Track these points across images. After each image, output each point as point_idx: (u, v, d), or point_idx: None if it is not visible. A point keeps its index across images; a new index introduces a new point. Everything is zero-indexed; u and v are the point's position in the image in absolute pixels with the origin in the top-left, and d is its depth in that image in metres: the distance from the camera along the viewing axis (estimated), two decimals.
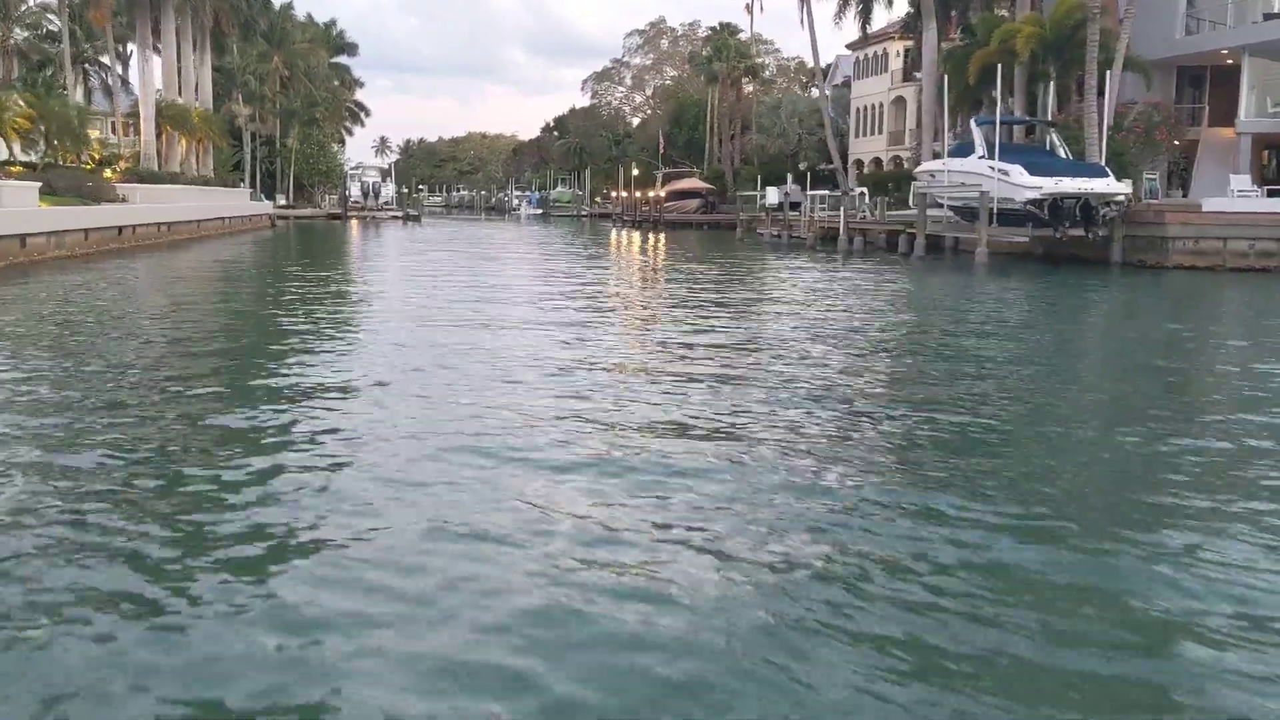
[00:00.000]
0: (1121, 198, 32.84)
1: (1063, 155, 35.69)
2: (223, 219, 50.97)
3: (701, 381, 12.28)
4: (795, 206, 53.61)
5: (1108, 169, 34.08)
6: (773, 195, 59.85)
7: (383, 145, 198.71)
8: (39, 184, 31.23)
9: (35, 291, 21.12)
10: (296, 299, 21.63)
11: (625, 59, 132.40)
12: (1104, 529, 6.94)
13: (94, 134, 59.98)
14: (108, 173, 43.65)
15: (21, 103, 38.18)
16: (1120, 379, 13.82)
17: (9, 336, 15.11)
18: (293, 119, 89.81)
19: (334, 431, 9.35)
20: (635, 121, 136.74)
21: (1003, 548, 6.55)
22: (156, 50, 55.55)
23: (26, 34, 74.38)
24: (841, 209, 44.88)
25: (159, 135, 48.95)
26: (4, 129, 37.40)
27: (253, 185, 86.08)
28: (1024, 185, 32.93)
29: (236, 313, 19.39)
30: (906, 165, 64.45)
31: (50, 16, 69.06)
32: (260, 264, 34.02)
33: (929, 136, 50.01)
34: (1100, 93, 35.05)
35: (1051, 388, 12.69)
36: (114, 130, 56.62)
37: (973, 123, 37.36)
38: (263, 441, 9.04)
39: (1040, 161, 34.61)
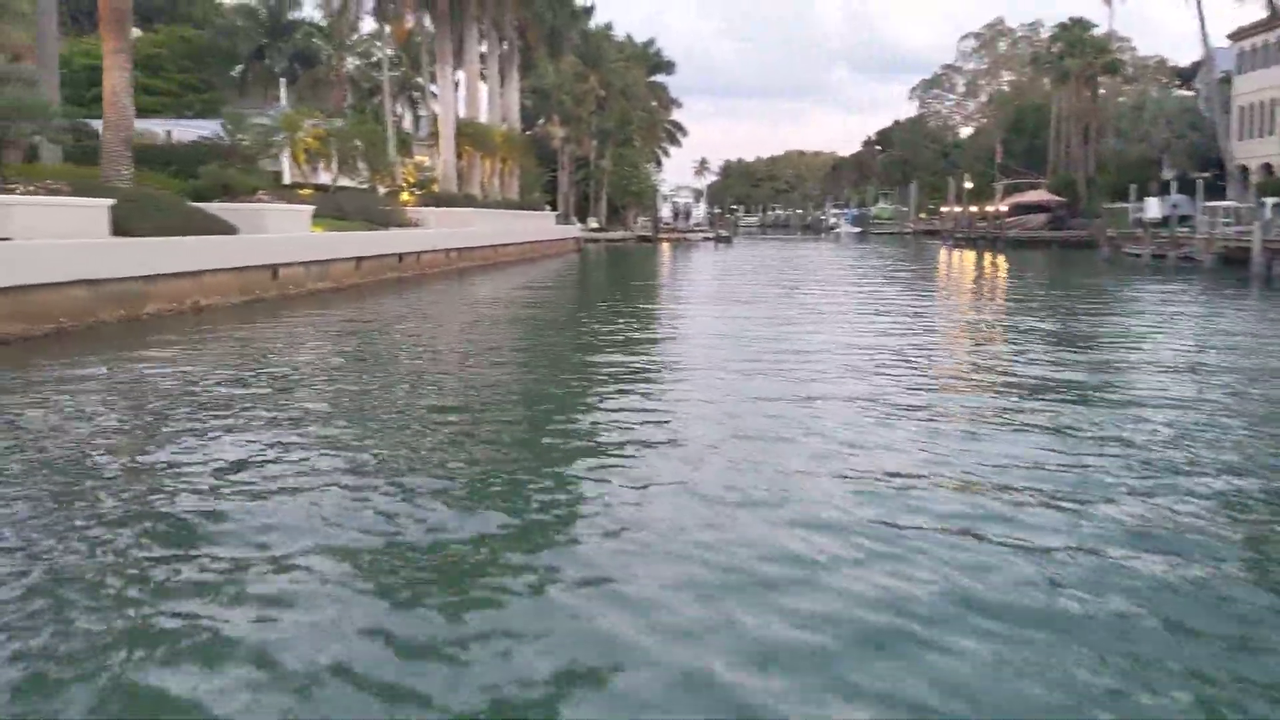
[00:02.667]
0: None
1: None
2: (523, 244, 47.77)
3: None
4: (1182, 220, 43.98)
5: None
6: (1153, 207, 50.14)
7: (702, 166, 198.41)
8: (312, 208, 28.30)
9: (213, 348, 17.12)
10: (575, 339, 16.56)
11: (958, 64, 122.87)
12: None
13: (421, 159, 59.41)
14: (405, 195, 41.26)
15: (311, 123, 36.07)
16: None
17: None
18: (607, 139, 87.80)
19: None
20: (965, 131, 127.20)
21: None
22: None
23: (358, 62, 76.47)
24: (1256, 225, 35.18)
25: (459, 156, 46.43)
26: (294, 150, 35.41)
27: (566, 208, 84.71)
28: None
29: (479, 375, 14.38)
30: None
31: (378, 44, 69.81)
32: (545, 296, 29.54)
33: None
34: None
35: None
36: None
37: None
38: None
39: None
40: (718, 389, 12.12)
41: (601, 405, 11.22)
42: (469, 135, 46.62)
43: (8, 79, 17.95)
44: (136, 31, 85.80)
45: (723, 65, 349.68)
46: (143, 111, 57.04)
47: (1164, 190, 56.68)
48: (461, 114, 50.35)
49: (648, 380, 12.90)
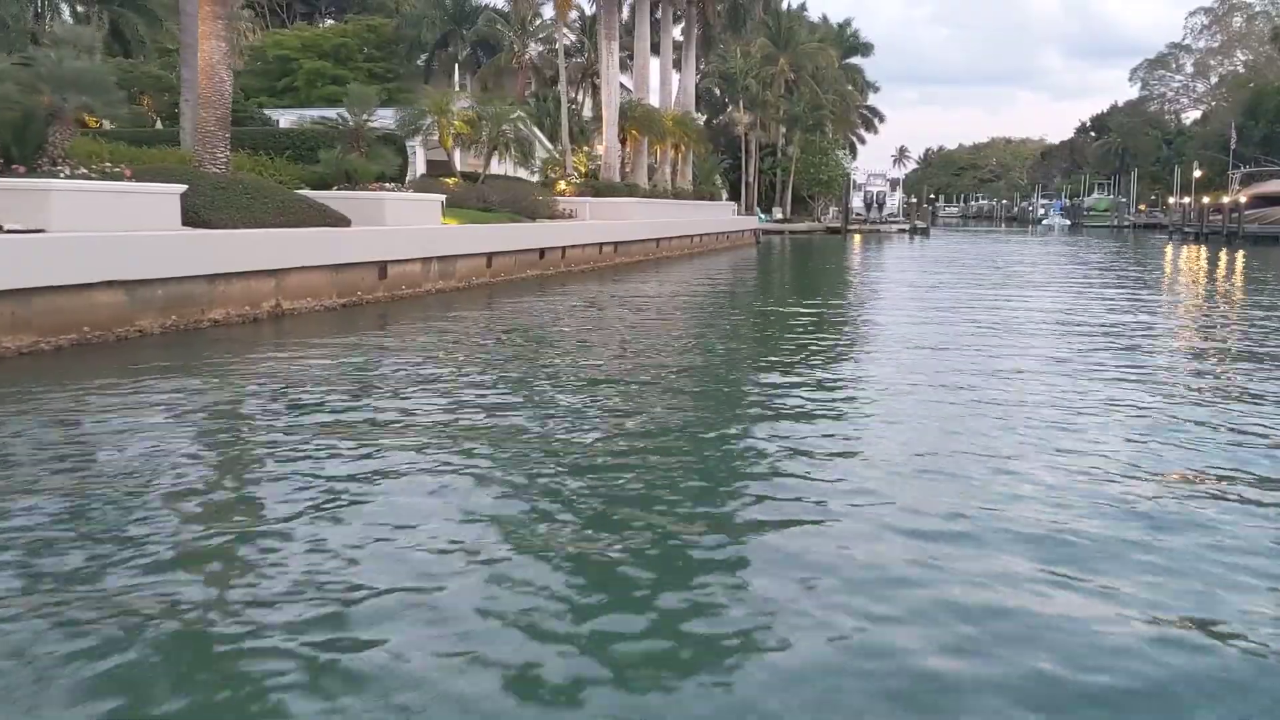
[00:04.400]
0: None
1: None
2: (690, 237, 44.12)
3: None
4: None
5: None
6: None
7: (901, 155, 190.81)
8: (442, 197, 25.49)
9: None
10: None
11: (1186, 43, 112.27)
12: None
13: (601, 148, 56.79)
14: (561, 185, 38.30)
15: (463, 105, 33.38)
16: None
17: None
18: (795, 125, 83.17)
19: None
20: (1191, 116, 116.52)
21: None
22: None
23: (540, 49, 74.64)
24: None
25: (623, 142, 43.12)
26: (441, 134, 32.80)
27: (749, 198, 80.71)
28: None
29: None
30: None
31: (564, 31, 67.76)
32: (693, 304, 25.83)
33: None
34: None
35: None
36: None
37: None
38: None
39: None
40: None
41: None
42: (635, 119, 43.23)
43: (61, 43, 15.51)
44: (329, 21, 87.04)
45: (930, 52, 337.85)
46: (331, 101, 56.58)
47: None
48: (635, 98, 47.02)
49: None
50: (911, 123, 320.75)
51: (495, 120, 33.27)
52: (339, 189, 23.53)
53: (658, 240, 39.13)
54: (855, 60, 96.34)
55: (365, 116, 25.03)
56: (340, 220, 21.23)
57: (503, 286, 25.16)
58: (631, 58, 56.25)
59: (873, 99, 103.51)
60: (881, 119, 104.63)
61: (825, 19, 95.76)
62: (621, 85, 64.64)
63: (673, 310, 21.68)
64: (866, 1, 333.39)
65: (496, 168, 40.95)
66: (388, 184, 24.58)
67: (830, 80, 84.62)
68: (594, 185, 39.00)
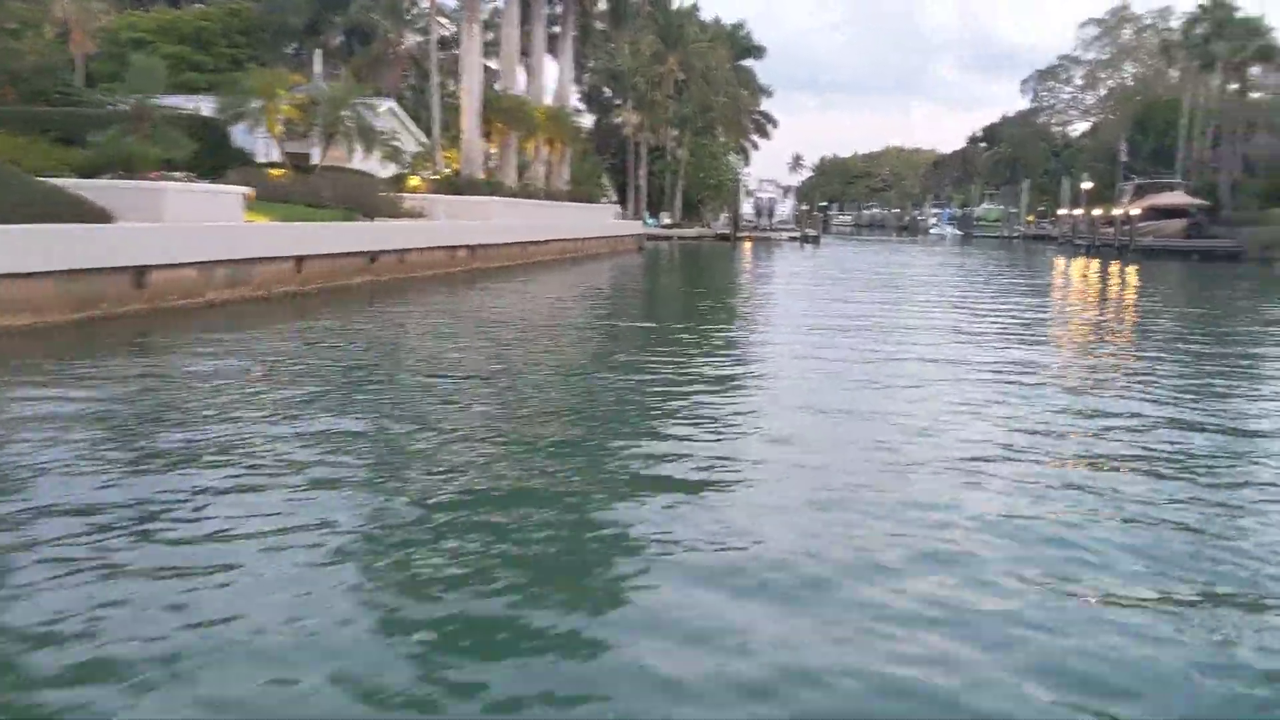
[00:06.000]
0: None
1: None
2: (564, 241, 40.38)
3: None
4: None
5: None
6: None
7: (796, 163, 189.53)
8: (244, 189, 21.42)
9: None
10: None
11: (1076, 54, 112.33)
12: None
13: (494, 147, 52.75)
14: (413, 181, 34.33)
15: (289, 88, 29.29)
16: None
17: None
18: (685, 127, 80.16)
19: None
20: (1079, 129, 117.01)
21: None
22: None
23: (420, 39, 70.66)
24: None
25: (487, 136, 39.26)
26: (268, 121, 28.64)
27: (637, 202, 77.51)
28: None
29: None
30: None
31: (441, 20, 63.60)
32: (547, 325, 22.19)
33: None
34: None
35: None
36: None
37: None
38: None
39: None
40: None
41: None
42: (501, 110, 39.34)
43: None
44: (200, 6, 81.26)
45: (828, 60, 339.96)
46: (188, 88, 51.63)
47: None
48: (502, 88, 43.18)
49: None
50: (812, 129, 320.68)
51: (332, 105, 29.21)
52: (112, 177, 19.43)
53: (525, 244, 35.34)
54: (748, 63, 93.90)
55: (146, 95, 20.84)
56: (99, 215, 17.12)
57: (317, 296, 21.20)
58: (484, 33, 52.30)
59: (767, 104, 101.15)
60: (775, 124, 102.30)
61: (718, 20, 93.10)
62: (498, 75, 60.89)
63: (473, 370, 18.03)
64: (770, 8, 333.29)
65: (360, 162, 36.84)
66: (176, 172, 20.50)
67: (721, 82, 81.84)
68: (452, 183, 35.08)
